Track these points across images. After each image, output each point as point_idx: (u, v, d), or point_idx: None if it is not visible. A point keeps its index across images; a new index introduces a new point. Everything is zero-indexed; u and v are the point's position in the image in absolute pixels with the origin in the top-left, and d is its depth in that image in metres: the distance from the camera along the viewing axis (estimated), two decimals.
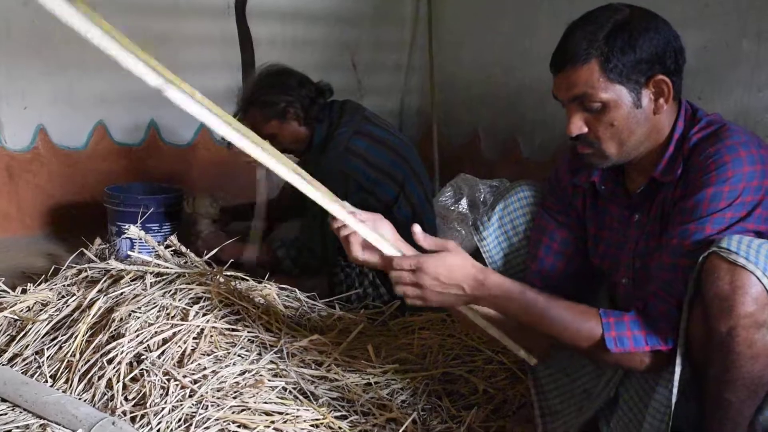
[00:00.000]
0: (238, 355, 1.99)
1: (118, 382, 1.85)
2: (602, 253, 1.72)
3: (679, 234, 1.44)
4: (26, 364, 2.00)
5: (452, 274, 1.49)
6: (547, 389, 1.82)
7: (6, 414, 1.79)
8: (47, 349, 2.02)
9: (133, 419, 1.76)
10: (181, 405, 1.78)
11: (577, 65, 1.48)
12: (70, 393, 1.86)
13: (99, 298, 2.13)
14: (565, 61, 1.50)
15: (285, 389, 1.89)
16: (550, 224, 1.77)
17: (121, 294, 2.15)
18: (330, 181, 2.63)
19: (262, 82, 2.82)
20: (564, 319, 1.51)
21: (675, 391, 1.42)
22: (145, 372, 1.87)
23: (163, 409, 1.77)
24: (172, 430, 1.72)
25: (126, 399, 1.82)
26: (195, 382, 1.85)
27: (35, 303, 2.23)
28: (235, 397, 1.81)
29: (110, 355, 1.90)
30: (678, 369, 1.42)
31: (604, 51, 1.45)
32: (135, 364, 1.90)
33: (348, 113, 2.79)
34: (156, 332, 1.97)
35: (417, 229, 1.53)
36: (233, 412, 1.76)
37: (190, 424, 1.72)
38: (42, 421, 1.75)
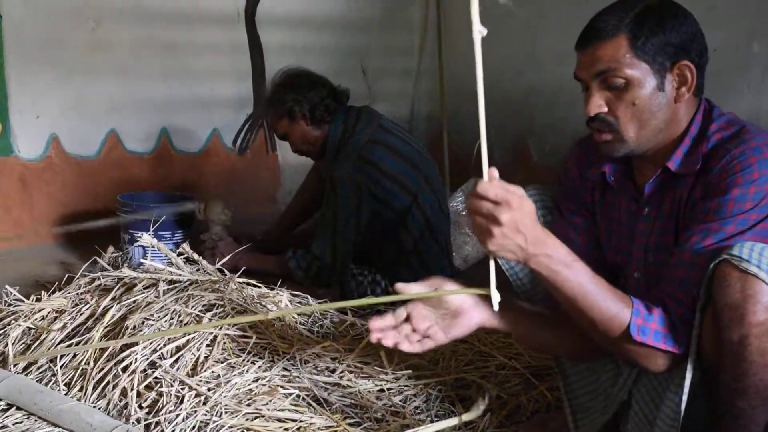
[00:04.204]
0: (252, 362, 1.99)
1: (132, 389, 1.85)
2: (615, 246, 1.70)
3: (700, 232, 1.42)
4: (41, 372, 2.01)
5: (525, 220, 1.36)
6: (575, 387, 1.81)
7: (21, 422, 1.80)
8: (61, 357, 2.03)
9: (147, 427, 1.77)
10: (195, 412, 1.78)
11: (605, 39, 1.47)
12: (85, 401, 1.87)
13: (112, 306, 2.14)
14: (592, 37, 1.49)
15: (298, 396, 1.90)
16: (567, 230, 1.76)
17: (135, 302, 2.16)
18: (342, 188, 2.66)
19: (277, 82, 2.88)
20: (601, 301, 1.44)
21: (685, 398, 1.42)
22: (159, 380, 1.88)
23: (177, 416, 1.77)
24: None
25: (140, 406, 1.83)
26: (209, 389, 1.86)
27: (49, 311, 2.24)
28: (249, 405, 1.81)
29: (124, 363, 1.91)
30: (689, 375, 1.41)
31: (633, 28, 1.45)
32: (149, 371, 1.91)
33: (364, 120, 2.80)
34: (169, 339, 1.98)
35: None
36: (247, 420, 1.76)
37: None
38: (57, 429, 1.76)
